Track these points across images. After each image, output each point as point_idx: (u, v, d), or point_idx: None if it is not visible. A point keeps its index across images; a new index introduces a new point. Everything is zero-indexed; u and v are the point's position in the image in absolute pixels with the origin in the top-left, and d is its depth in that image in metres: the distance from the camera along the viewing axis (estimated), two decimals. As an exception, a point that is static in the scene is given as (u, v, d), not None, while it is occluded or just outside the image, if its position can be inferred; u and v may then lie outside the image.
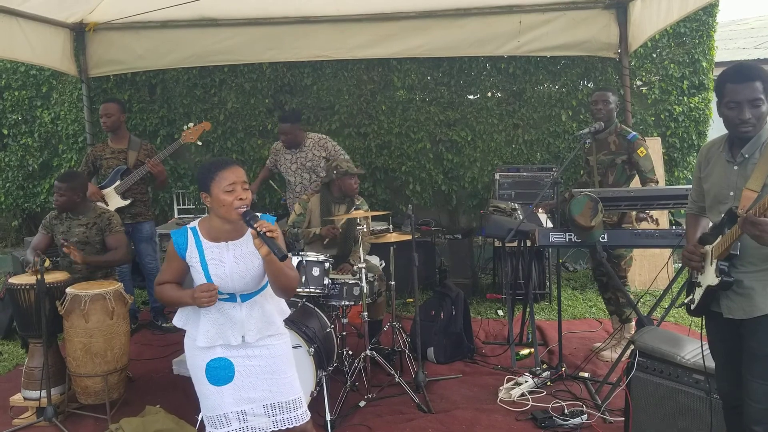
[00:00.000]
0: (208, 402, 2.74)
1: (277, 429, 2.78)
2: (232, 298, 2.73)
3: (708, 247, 2.75)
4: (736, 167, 2.65)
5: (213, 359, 2.72)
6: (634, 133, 4.76)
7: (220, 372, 2.71)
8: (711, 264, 2.69)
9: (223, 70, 7.38)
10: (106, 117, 5.60)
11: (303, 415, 2.80)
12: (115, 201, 5.54)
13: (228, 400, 2.72)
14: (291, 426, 2.77)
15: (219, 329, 2.70)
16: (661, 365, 3.30)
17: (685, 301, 2.89)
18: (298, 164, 5.72)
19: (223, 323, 2.71)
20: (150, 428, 3.72)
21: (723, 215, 2.65)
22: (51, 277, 4.08)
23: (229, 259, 2.70)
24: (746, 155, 2.62)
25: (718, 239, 2.65)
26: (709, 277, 2.68)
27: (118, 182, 5.55)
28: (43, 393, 3.98)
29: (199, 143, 5.83)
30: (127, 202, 5.54)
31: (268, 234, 2.51)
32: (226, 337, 2.70)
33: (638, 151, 4.68)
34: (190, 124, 5.58)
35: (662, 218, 6.61)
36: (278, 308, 2.87)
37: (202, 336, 2.70)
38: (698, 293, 2.77)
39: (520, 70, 7.20)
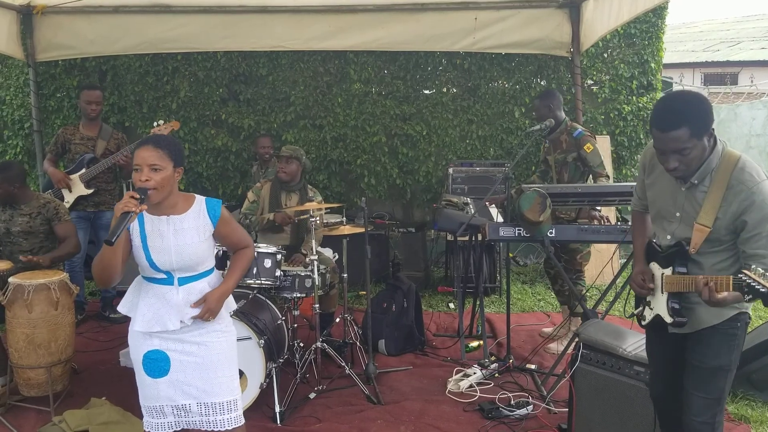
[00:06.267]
0: (145, 392, 2.73)
1: (209, 430, 2.73)
2: (169, 279, 2.68)
3: (657, 270, 2.69)
4: (683, 189, 2.55)
5: (150, 350, 2.68)
6: (579, 129, 4.81)
7: (156, 364, 2.68)
8: (663, 293, 2.64)
9: (176, 57, 7.25)
10: (95, 104, 5.51)
11: (235, 419, 2.75)
12: (78, 189, 5.43)
13: (163, 393, 2.69)
14: (222, 429, 2.72)
15: (155, 313, 2.66)
16: (603, 357, 3.39)
17: (635, 313, 2.87)
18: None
19: (159, 308, 2.66)
20: (95, 420, 3.67)
21: (672, 246, 2.60)
22: (-7, 266, 3.98)
23: (169, 233, 2.66)
24: (695, 181, 2.50)
25: (670, 271, 2.59)
26: (661, 308, 2.65)
27: (83, 170, 5.43)
28: (-16, 385, 3.89)
29: None
30: (90, 191, 5.44)
31: (121, 211, 2.42)
32: (163, 322, 2.65)
33: (585, 147, 4.74)
34: (160, 122, 5.36)
35: (610, 214, 6.77)
36: None
37: (139, 319, 2.66)
38: (648, 313, 2.75)
39: (475, 66, 7.28)
